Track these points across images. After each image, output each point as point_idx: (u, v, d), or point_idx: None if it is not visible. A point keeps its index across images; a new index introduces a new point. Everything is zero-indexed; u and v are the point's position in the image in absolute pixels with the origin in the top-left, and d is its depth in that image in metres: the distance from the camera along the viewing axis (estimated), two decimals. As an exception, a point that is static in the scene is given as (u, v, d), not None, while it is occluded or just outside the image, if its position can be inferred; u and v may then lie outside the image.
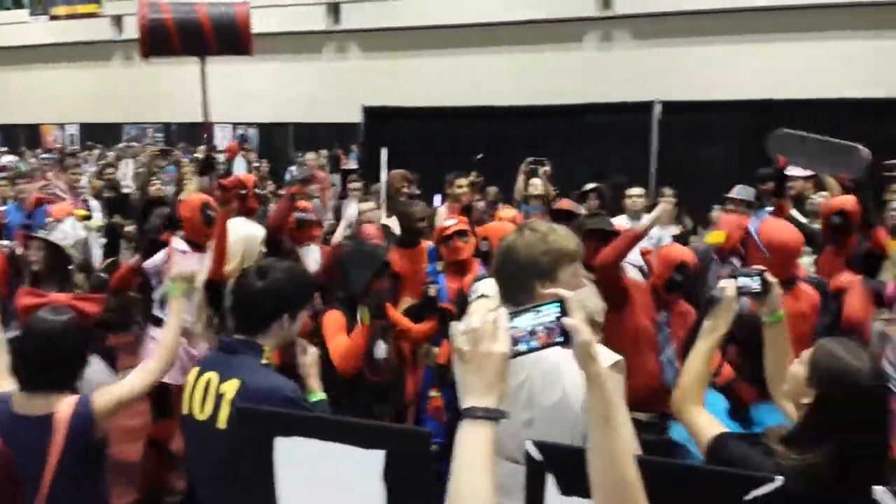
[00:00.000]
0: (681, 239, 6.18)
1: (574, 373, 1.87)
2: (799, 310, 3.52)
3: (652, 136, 8.38)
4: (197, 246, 4.34)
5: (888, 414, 1.86)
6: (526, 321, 1.49)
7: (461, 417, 1.40)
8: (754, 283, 2.49)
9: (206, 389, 2.24)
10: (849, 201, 4.66)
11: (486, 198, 7.64)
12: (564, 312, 1.51)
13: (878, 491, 1.65)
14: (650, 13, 11.63)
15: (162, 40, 5.61)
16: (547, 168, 6.91)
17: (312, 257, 4.92)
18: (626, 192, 6.45)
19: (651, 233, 6.10)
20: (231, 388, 2.19)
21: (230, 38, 5.74)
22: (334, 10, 13.84)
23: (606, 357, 1.96)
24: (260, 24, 13.79)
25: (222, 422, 2.18)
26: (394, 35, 13.20)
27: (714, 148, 7.94)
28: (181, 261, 4.10)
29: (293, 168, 11.82)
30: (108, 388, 2.55)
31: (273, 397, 2.14)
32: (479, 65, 12.44)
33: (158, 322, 4.22)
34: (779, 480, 1.62)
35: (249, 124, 14.24)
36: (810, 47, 10.61)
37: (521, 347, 1.48)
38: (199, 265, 4.04)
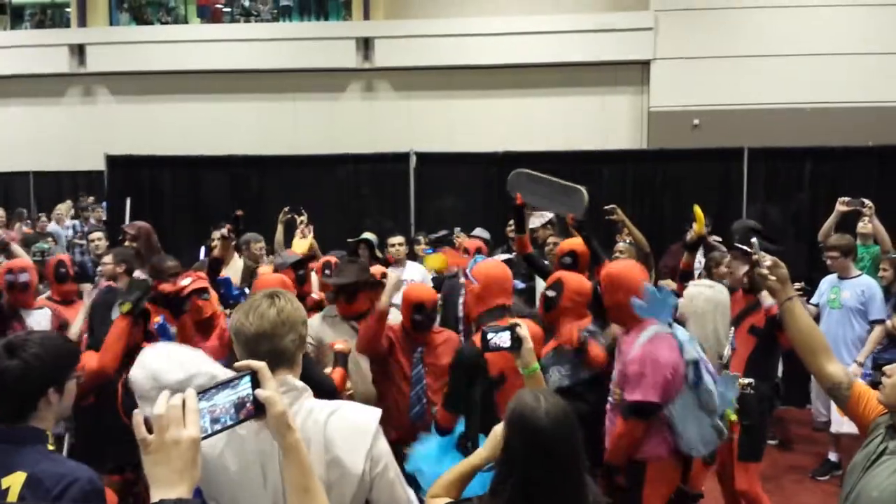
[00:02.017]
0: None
1: (350, 435, 1.88)
2: None
3: (410, 186, 8.64)
4: None
5: (570, 452, 1.99)
6: (218, 398, 1.45)
7: None
8: (504, 339, 2.57)
9: None
10: (578, 243, 5.05)
11: (248, 248, 7.47)
12: (257, 384, 1.48)
13: None
14: (406, 67, 12.15)
15: None
16: (303, 218, 6.90)
17: (39, 321, 4.53)
18: (389, 241, 6.61)
19: (418, 276, 6.36)
20: (15, 481, 1.92)
21: None
22: (79, 52, 13.00)
23: (372, 416, 1.95)
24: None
25: None
26: (146, 79, 12.64)
27: (462, 195, 8.36)
28: None
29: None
30: None
31: (70, 488, 1.92)
32: (240, 112, 12.26)
33: None
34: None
35: (-21, 174, 12.90)
36: (545, 102, 11.71)
37: (215, 426, 1.43)
38: None
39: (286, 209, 7.07)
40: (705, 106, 10.98)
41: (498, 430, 2.18)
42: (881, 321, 5.80)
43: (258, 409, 1.49)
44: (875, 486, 2.15)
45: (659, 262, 6.74)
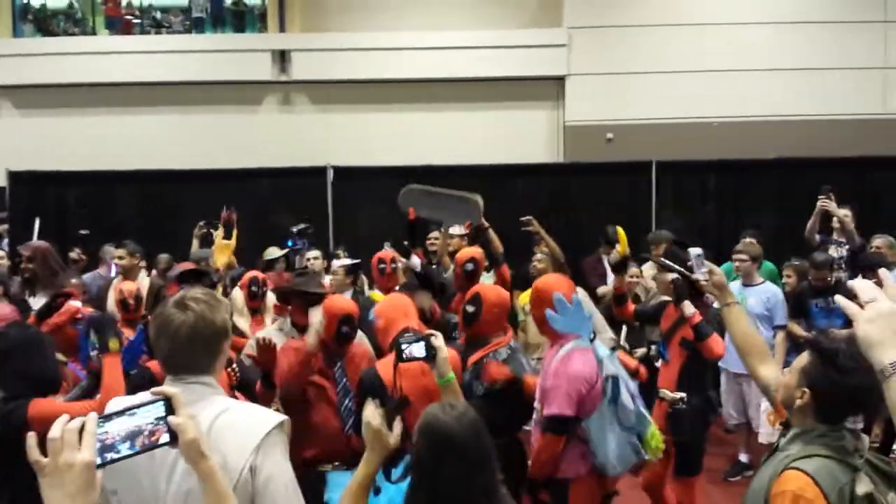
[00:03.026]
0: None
1: (238, 433, 1.84)
2: None
3: (327, 200, 8.59)
4: None
5: (481, 457, 1.99)
6: (125, 423, 1.41)
7: None
8: (419, 349, 2.56)
9: None
10: (476, 250, 5.13)
11: (158, 265, 7.27)
12: (171, 411, 1.46)
13: None
14: (324, 80, 12.08)
15: None
16: (220, 232, 6.78)
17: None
18: (305, 255, 6.54)
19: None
20: None
21: None
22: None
23: (269, 418, 1.92)
24: None
25: None
26: (52, 92, 12.17)
27: (380, 210, 8.37)
28: None
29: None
30: None
31: None
32: (152, 125, 11.92)
33: None
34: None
35: None
36: (463, 117, 11.83)
37: (120, 453, 1.39)
38: None
39: (201, 223, 6.95)
40: (618, 120, 11.27)
41: (370, 420, 2.20)
42: (784, 327, 6.06)
43: (172, 436, 1.46)
44: (758, 478, 2.26)
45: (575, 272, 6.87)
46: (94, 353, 3.50)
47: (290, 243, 6.62)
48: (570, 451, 3.38)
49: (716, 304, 5.15)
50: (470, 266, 5.02)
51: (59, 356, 3.69)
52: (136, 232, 7.53)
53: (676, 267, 4.30)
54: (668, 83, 11.35)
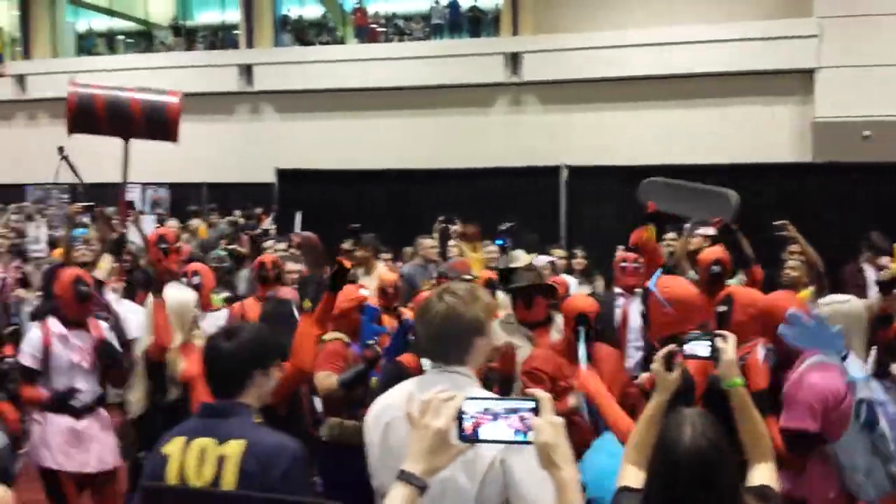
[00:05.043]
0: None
1: None
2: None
3: (561, 199, 8.65)
4: (74, 324, 4.02)
5: (701, 485, 1.84)
6: (491, 412, 1.53)
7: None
8: (702, 349, 2.39)
9: (201, 456, 2.20)
10: (720, 251, 4.88)
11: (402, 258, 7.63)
12: (537, 413, 1.54)
13: None
14: (554, 80, 12.18)
15: (88, 117, 5.63)
16: (457, 227, 7.04)
17: (213, 323, 4.83)
18: (510, 254, 6.62)
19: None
20: (235, 449, 2.16)
21: (158, 126, 5.80)
22: (247, 72, 13.90)
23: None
24: (174, 84, 13.83)
25: (229, 483, 2.15)
26: (308, 97, 13.32)
27: (615, 209, 8.25)
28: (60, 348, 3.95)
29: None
30: None
31: (282, 454, 2.15)
32: (394, 128, 12.68)
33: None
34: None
35: (160, 184, 13.99)
36: (700, 114, 11.38)
37: (485, 437, 1.52)
38: (81, 343, 3.97)
39: (441, 218, 7.24)
40: (876, 117, 10.33)
41: (657, 367, 2.32)
42: None
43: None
44: None
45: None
46: (372, 342, 3.82)
47: (499, 242, 6.74)
48: (817, 471, 3.14)
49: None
50: (716, 268, 4.81)
51: (342, 336, 4.04)
52: (385, 227, 8.04)
53: None
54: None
